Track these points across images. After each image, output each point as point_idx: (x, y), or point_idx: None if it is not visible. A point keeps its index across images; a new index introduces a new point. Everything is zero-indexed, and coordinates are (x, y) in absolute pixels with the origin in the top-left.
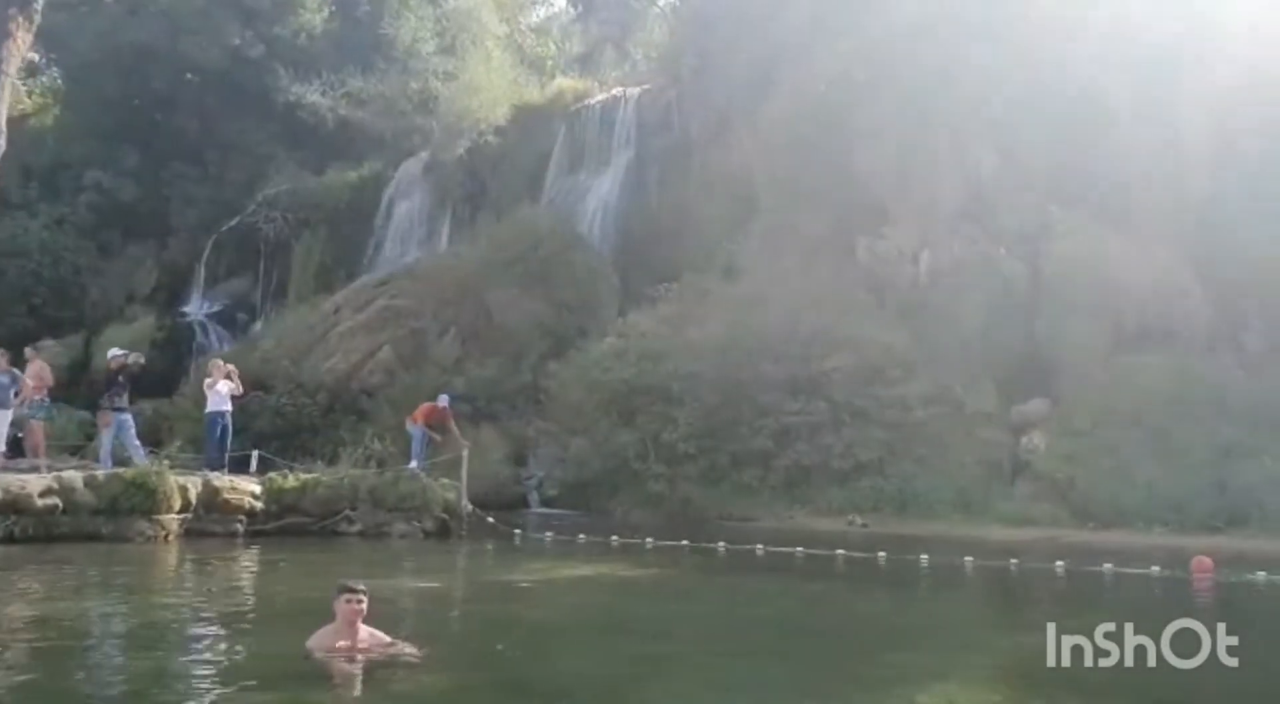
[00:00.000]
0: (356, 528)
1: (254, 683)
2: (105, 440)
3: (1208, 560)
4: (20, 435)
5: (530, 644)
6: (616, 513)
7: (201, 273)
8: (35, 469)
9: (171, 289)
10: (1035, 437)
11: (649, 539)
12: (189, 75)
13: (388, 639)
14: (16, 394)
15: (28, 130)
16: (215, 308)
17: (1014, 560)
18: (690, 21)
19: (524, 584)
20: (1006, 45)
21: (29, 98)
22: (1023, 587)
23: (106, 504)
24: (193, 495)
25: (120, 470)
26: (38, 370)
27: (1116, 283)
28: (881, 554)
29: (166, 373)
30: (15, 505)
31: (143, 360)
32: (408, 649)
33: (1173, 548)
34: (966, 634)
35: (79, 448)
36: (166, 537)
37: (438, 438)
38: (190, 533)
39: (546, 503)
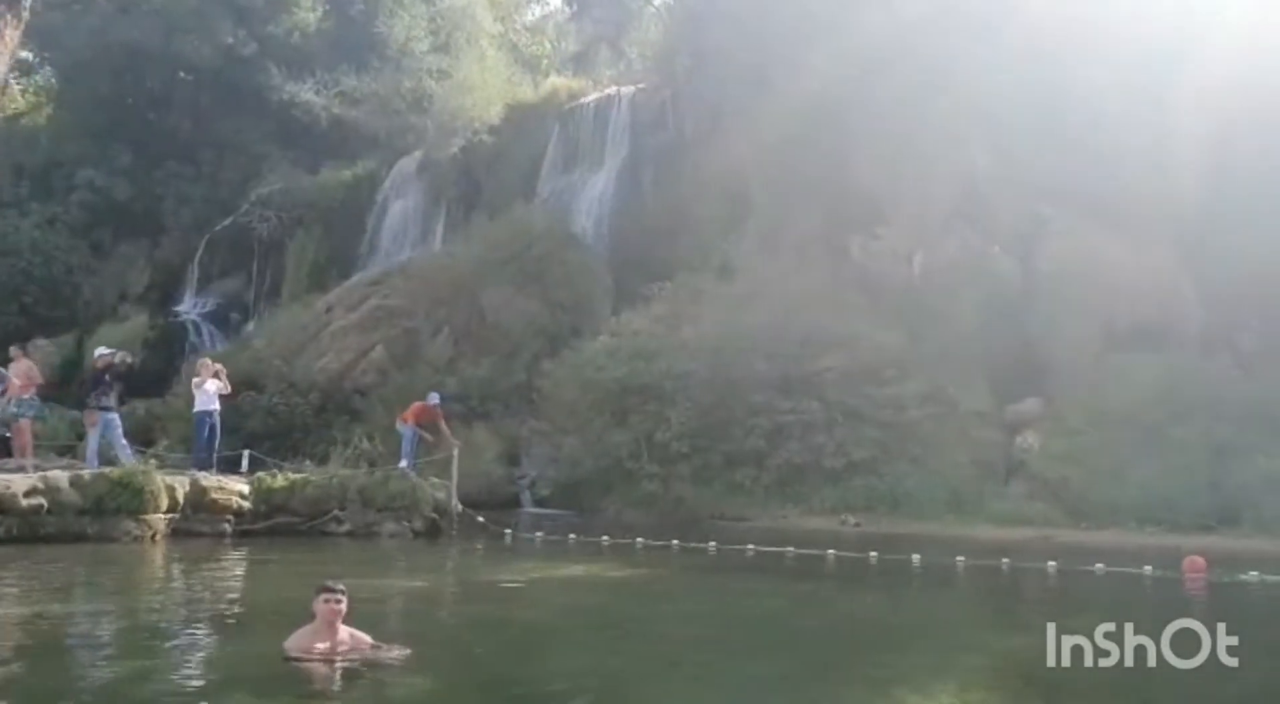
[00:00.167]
0: (345, 528)
1: (228, 685)
2: (91, 440)
3: (1200, 560)
4: (7, 435)
5: (514, 645)
6: (609, 512)
7: (194, 272)
8: (21, 469)
9: (164, 288)
10: (1029, 436)
11: (640, 539)
12: (182, 74)
13: (368, 640)
14: (2, 393)
15: (20, 129)
16: (208, 307)
17: (1005, 560)
18: (685, 20)
19: (512, 584)
20: (1000, 44)
21: (22, 96)
22: (1014, 586)
23: (92, 504)
24: (180, 495)
25: (106, 470)
26: (25, 369)
27: (1110, 282)
28: (873, 554)
29: (159, 372)
30: (0, 505)
31: (129, 359)
32: (388, 650)
33: (1166, 547)
34: (959, 634)
35: (70, 448)
36: (153, 537)
37: (429, 437)
38: (178, 533)
39: (539, 503)
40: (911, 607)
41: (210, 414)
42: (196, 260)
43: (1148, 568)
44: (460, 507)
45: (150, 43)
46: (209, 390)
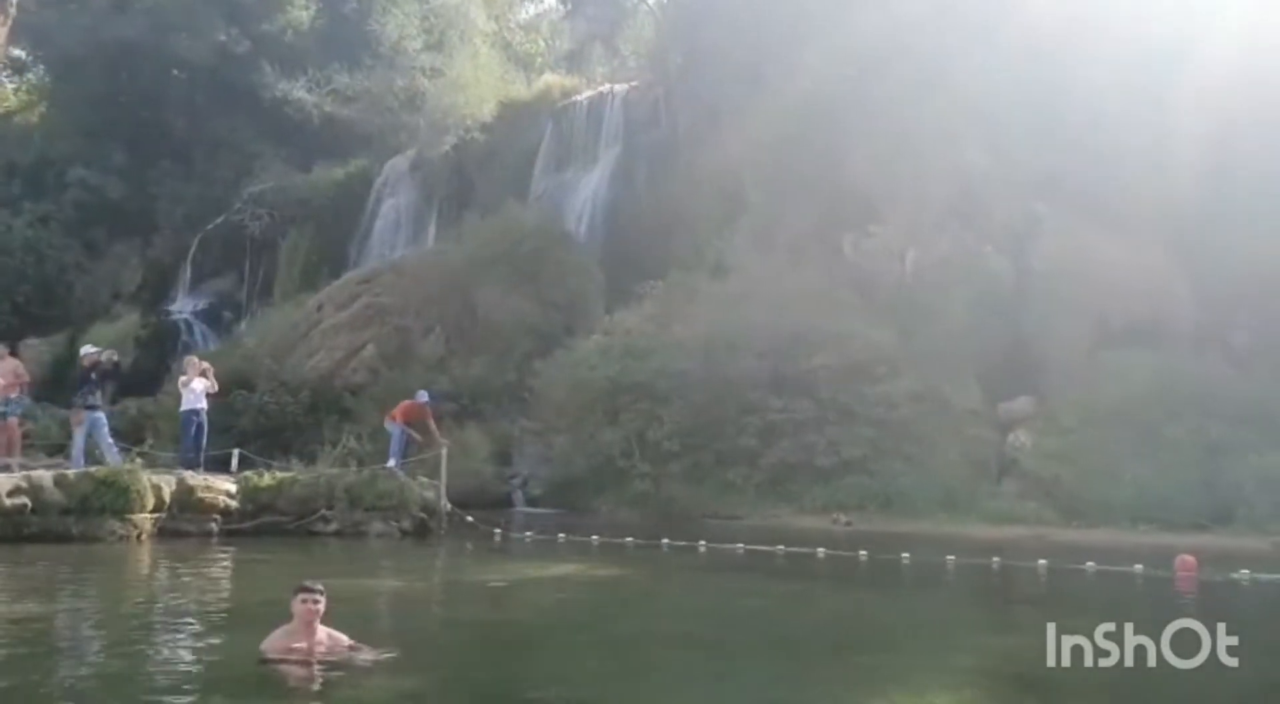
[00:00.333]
0: (333, 527)
1: (203, 686)
2: (78, 439)
3: (1191, 559)
4: None
5: (497, 646)
6: (601, 512)
7: (187, 270)
8: (5, 468)
9: (157, 287)
10: (1021, 434)
11: (630, 538)
12: (175, 72)
13: (347, 640)
14: None
15: (13, 127)
16: (201, 305)
17: (996, 559)
18: (678, 18)
19: (498, 584)
20: (998, 44)
21: (14, 95)
22: (1004, 585)
23: (77, 503)
24: (166, 494)
25: (91, 469)
26: (12, 368)
27: (1104, 280)
28: (863, 553)
29: (151, 371)
30: None
31: (116, 357)
32: (367, 651)
33: (1159, 546)
34: (951, 633)
35: (61, 446)
36: (139, 536)
37: (418, 437)
38: (164, 532)
39: (531, 502)
40: (901, 606)
41: (197, 413)
42: (189, 259)
43: (1138, 567)
44: (449, 506)
45: (143, 41)
46: (196, 389)
